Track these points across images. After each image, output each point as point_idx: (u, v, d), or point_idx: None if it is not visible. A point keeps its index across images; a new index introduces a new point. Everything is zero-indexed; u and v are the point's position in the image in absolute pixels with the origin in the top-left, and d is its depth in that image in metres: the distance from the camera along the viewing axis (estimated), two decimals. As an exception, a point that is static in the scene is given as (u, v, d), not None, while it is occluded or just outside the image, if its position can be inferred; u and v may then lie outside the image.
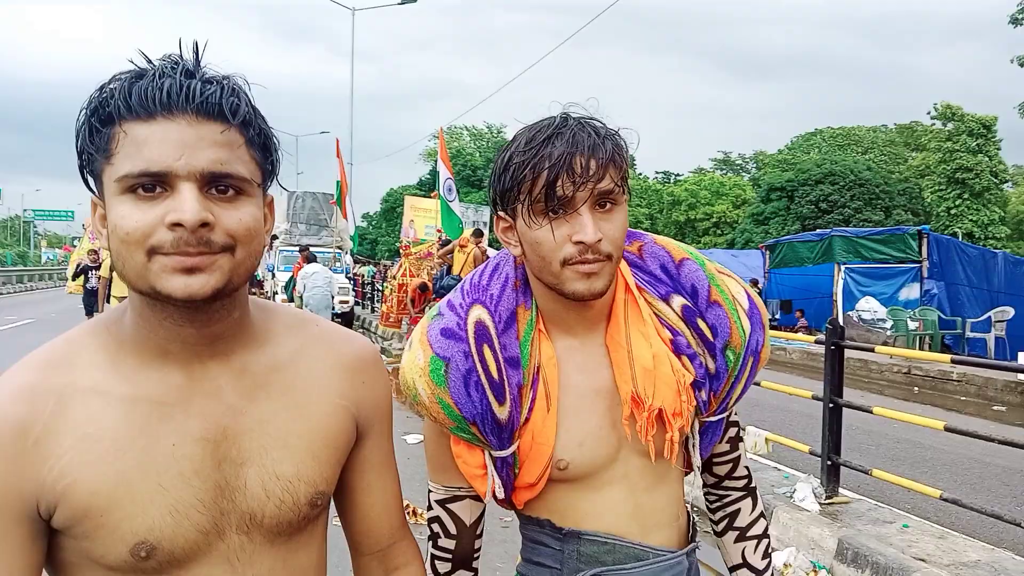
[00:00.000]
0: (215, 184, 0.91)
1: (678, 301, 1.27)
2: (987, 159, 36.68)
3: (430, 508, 1.31)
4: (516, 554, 1.39)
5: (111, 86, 0.91)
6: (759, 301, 1.32)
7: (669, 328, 1.26)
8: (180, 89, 0.89)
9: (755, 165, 57.60)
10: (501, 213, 1.22)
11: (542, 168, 1.11)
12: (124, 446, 0.93)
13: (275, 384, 1.04)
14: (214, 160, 0.90)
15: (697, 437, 1.31)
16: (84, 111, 0.92)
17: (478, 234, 13.17)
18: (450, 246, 12.90)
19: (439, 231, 14.82)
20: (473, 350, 1.18)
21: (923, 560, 4.11)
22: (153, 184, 0.89)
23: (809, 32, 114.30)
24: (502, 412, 1.19)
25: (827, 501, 5.05)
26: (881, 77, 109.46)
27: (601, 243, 1.12)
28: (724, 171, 56.55)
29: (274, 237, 23.73)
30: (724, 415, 1.33)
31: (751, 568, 1.40)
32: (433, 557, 1.31)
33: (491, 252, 14.08)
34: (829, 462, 5.13)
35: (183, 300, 0.90)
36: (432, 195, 18.54)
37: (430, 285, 14.87)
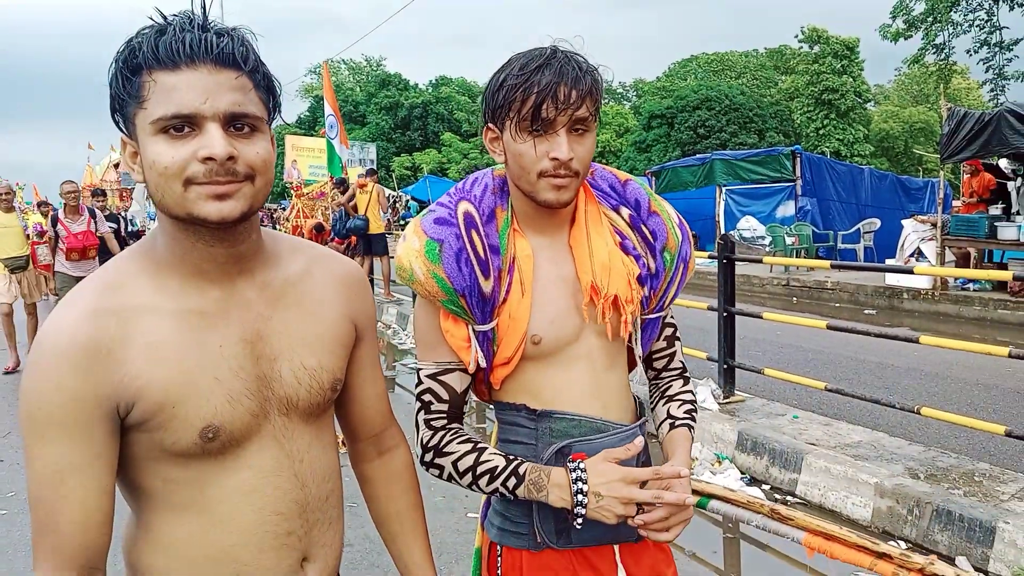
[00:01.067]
0: (234, 123, 1.06)
1: (625, 212, 1.52)
2: (851, 80, 38.64)
3: (419, 383, 1.48)
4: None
5: (137, 40, 1.04)
6: (685, 221, 1.60)
7: (618, 233, 1.51)
8: (199, 42, 1.03)
9: (635, 93, 58.58)
10: (491, 125, 1.41)
11: (531, 92, 1.31)
12: (182, 350, 1.10)
13: (291, 295, 1.24)
14: (233, 102, 1.05)
15: (638, 332, 1.54)
16: (115, 62, 1.05)
17: (372, 173, 13.09)
18: (352, 191, 12.74)
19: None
20: (463, 232, 1.40)
21: (813, 444, 4.59)
22: (183, 125, 1.03)
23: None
24: (487, 285, 1.40)
25: (725, 400, 5.51)
26: (751, 3, 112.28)
27: (572, 161, 1.34)
28: (606, 100, 57.29)
29: None
30: (661, 314, 1.57)
31: (670, 417, 1.58)
32: (426, 421, 1.47)
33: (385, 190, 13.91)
34: (725, 365, 5.59)
35: (216, 222, 1.06)
36: (321, 133, 18.11)
37: (326, 225, 14.69)
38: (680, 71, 53.52)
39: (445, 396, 1.46)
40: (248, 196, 1.08)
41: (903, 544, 3.71)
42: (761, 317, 5.67)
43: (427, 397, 1.46)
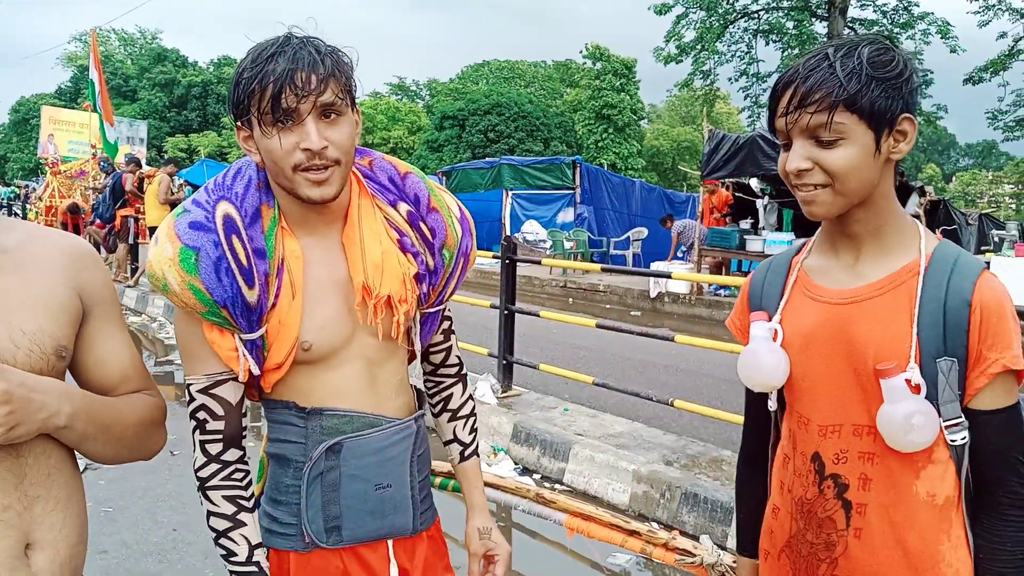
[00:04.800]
0: None
1: (404, 207, 1.47)
2: (628, 97, 41.26)
3: (192, 400, 1.38)
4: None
5: None
6: (467, 212, 1.58)
7: (396, 230, 1.46)
8: None
9: (429, 92, 58.88)
10: (240, 123, 1.33)
11: (267, 83, 1.24)
12: None
13: (6, 264, 1.19)
14: None
15: (418, 326, 1.55)
16: None
17: (169, 163, 12.14)
18: (137, 177, 11.80)
19: (94, 147, 13.39)
20: (223, 239, 1.29)
21: (581, 435, 4.87)
22: None
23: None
24: (251, 296, 1.31)
25: (503, 395, 5.70)
26: (542, 14, 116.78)
27: (327, 150, 1.27)
28: (400, 96, 57.10)
29: None
30: (440, 307, 1.58)
31: (460, 442, 1.70)
32: (203, 443, 1.38)
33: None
34: (504, 361, 5.78)
35: None
36: (85, 106, 16.54)
37: (84, 206, 13.48)
38: (473, 74, 54.55)
39: (220, 412, 1.37)
40: None
41: (656, 525, 4.03)
42: (539, 315, 5.93)
43: (201, 415, 1.37)
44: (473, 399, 1.74)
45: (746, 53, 27.86)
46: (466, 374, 1.74)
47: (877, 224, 1.31)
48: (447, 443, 1.70)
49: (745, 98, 28.94)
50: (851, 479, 1.30)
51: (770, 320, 1.40)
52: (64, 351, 1.21)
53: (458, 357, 1.72)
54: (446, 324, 1.66)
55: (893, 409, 1.21)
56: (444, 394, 1.70)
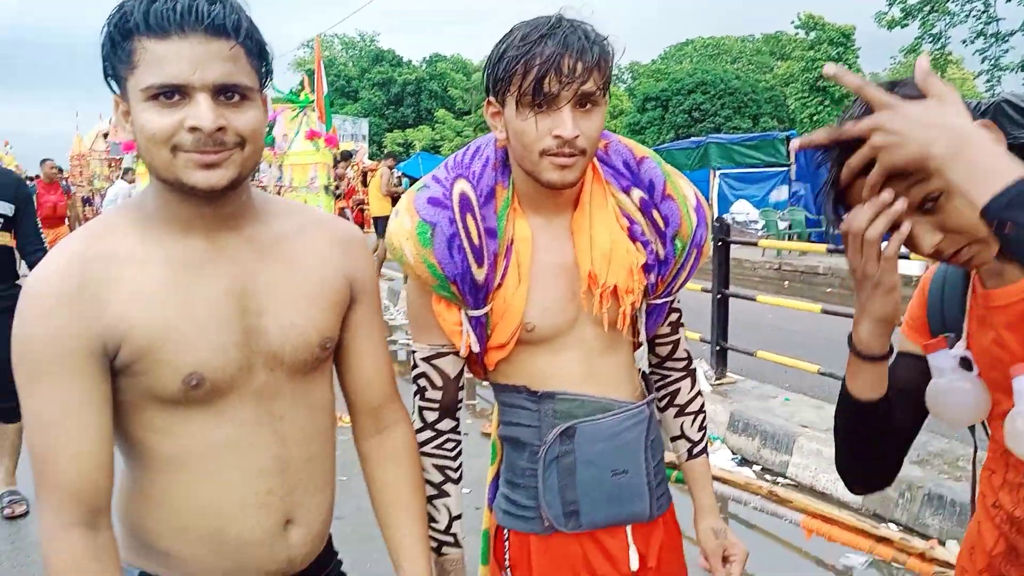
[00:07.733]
0: (224, 92, 1.08)
1: (637, 194, 1.43)
2: (847, 67, 38.52)
3: (415, 367, 1.45)
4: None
5: (128, 4, 1.05)
6: (704, 201, 1.50)
7: (627, 217, 1.42)
8: (190, 11, 1.04)
9: (631, 75, 58.32)
10: (491, 99, 1.33)
11: (532, 65, 1.22)
12: (167, 298, 1.12)
13: (280, 252, 1.25)
14: (223, 73, 1.07)
15: (644, 316, 1.50)
16: (106, 26, 1.07)
17: (389, 156, 13.09)
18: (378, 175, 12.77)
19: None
20: (457, 217, 1.33)
21: (805, 427, 4.59)
22: (173, 92, 1.05)
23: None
24: (480, 274, 1.34)
25: (717, 382, 5.50)
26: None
27: (578, 139, 1.25)
28: (601, 81, 56.89)
29: (128, 170, 22.38)
30: (668, 299, 1.51)
31: (687, 439, 1.63)
32: (421, 408, 1.45)
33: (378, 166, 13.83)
34: (718, 347, 5.57)
35: (205, 190, 1.09)
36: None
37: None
38: (676, 54, 53.33)
39: (439, 382, 1.43)
40: (237, 163, 1.10)
41: (894, 527, 3.71)
42: (755, 300, 5.67)
43: (422, 382, 1.45)
44: (702, 396, 1.65)
45: (983, 12, 25.07)
46: (694, 369, 1.67)
47: None
48: (674, 439, 1.64)
49: (982, 61, 26.04)
50: None
51: (949, 346, 1.17)
52: (329, 342, 1.28)
53: (686, 351, 1.65)
54: (674, 316, 1.60)
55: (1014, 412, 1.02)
56: (671, 388, 1.64)
